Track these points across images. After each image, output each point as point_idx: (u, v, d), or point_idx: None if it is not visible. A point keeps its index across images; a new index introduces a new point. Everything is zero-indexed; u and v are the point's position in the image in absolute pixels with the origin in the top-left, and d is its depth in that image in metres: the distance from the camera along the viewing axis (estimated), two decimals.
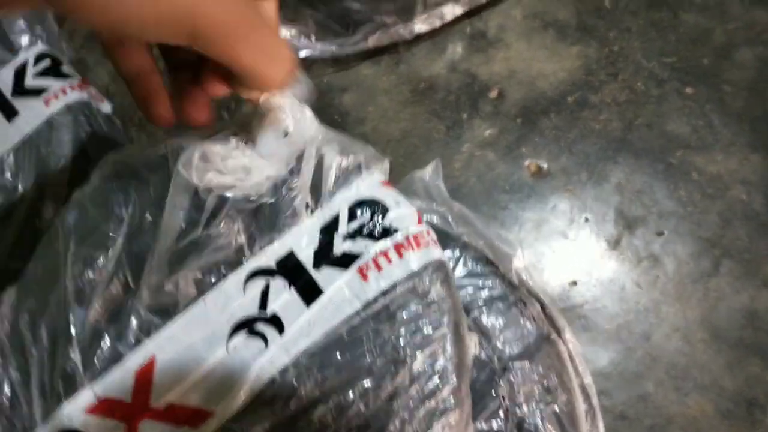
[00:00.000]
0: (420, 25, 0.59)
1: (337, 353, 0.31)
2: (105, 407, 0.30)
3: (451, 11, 0.59)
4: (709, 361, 0.50)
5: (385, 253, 0.33)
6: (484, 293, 0.41)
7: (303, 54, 0.59)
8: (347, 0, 0.56)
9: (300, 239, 0.33)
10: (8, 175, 0.50)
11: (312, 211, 0.34)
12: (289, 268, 0.33)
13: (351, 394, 0.30)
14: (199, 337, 0.31)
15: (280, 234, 0.33)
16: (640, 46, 0.59)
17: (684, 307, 0.51)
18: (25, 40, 0.57)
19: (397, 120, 0.59)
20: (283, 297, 0.32)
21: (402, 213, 0.35)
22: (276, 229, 0.33)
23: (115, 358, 0.31)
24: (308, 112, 0.36)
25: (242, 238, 0.33)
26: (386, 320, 0.32)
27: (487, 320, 0.40)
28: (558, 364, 0.40)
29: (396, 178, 0.55)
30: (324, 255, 0.33)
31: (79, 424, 0.30)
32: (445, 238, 0.43)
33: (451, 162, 0.56)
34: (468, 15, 0.60)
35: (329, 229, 0.34)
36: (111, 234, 0.33)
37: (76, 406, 0.30)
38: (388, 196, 0.36)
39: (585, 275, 0.53)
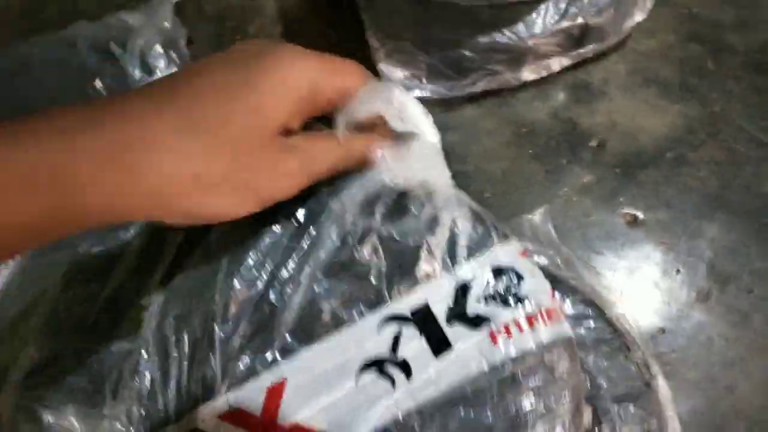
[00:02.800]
0: (527, 74, 0.62)
1: (461, 408, 0.33)
2: (236, 417, 0.33)
3: (558, 63, 0.62)
4: None
5: (517, 322, 0.35)
6: (592, 335, 0.43)
7: (414, 95, 0.63)
8: (462, 49, 0.60)
9: (435, 293, 0.35)
10: None
11: (450, 268, 0.36)
12: (423, 319, 0.35)
13: None
14: (330, 366, 0.33)
15: (417, 284, 0.35)
16: (741, 108, 0.61)
17: None
18: (162, 63, 0.63)
19: (498, 160, 0.62)
20: (414, 345, 0.34)
21: (537, 285, 0.37)
22: (414, 278, 0.35)
23: (251, 373, 0.33)
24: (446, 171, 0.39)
25: (383, 277, 0.35)
26: (511, 386, 0.34)
27: (594, 361, 0.43)
28: (658, 408, 0.42)
29: (495, 215, 0.59)
30: (457, 313, 0.35)
31: (210, 428, 0.33)
32: (553, 280, 0.46)
33: (549, 205, 0.59)
34: (573, 67, 0.63)
35: (464, 289, 0.36)
36: (261, 256, 0.36)
37: (211, 411, 0.33)
38: (525, 267, 0.38)
39: (673, 324, 0.55)
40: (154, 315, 0.38)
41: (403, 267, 0.36)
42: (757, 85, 0.62)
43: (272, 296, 0.35)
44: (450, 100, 0.64)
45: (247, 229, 0.38)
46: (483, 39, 0.59)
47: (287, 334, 0.34)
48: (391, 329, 0.34)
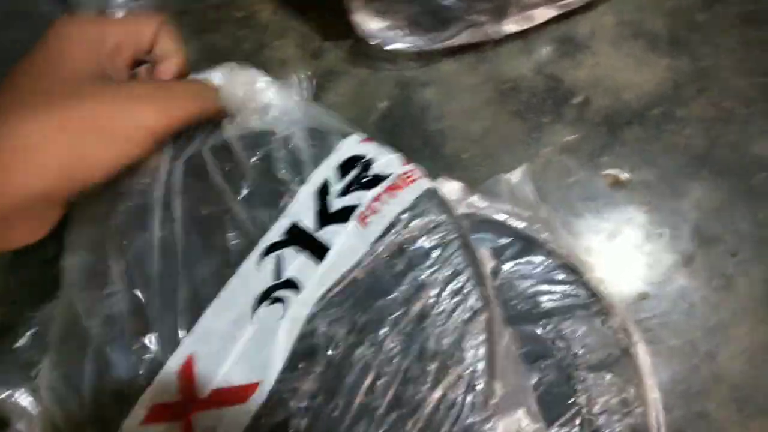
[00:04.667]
0: (510, 26, 0.59)
1: (359, 294, 0.33)
2: (157, 414, 0.32)
3: (543, 14, 0.59)
4: None
5: (378, 198, 0.36)
6: (568, 301, 0.41)
7: (390, 47, 0.60)
8: None
9: (298, 211, 0.36)
10: None
11: (302, 181, 0.37)
12: (296, 237, 0.35)
13: (384, 328, 0.32)
14: (228, 321, 0.33)
15: (280, 212, 0.36)
16: (731, 64, 0.58)
17: (754, 329, 0.52)
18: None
19: (478, 118, 0.59)
20: (295, 263, 0.35)
21: (387, 160, 0.38)
22: (275, 207, 0.36)
23: (157, 366, 0.33)
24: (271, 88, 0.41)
25: (246, 224, 0.36)
26: (396, 253, 0.34)
27: (569, 327, 0.41)
28: (636, 377, 0.40)
29: (473, 176, 0.57)
30: (323, 216, 0.36)
31: None
32: (530, 244, 0.44)
33: (530, 165, 0.56)
34: (558, 18, 0.60)
35: (322, 192, 0.37)
36: (112, 264, 0.36)
37: (133, 421, 0.32)
38: (370, 149, 0.39)
39: (656, 289, 0.53)
40: (44, 378, 0.36)
41: (261, 204, 0.37)
42: (748, 39, 0.59)
43: (140, 293, 0.34)
44: (427, 54, 0.61)
45: (90, 253, 0.37)
46: None
47: (177, 314, 0.34)
48: (271, 260, 0.35)
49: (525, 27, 0.59)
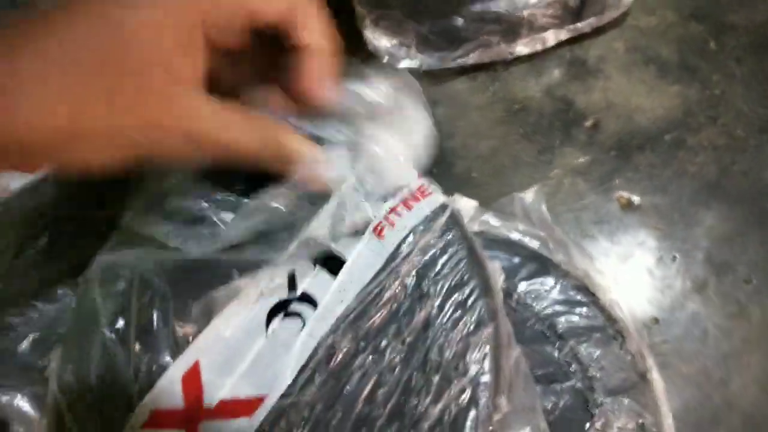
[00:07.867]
0: (522, 47, 0.59)
1: (373, 308, 0.33)
2: (159, 418, 0.31)
3: (554, 37, 0.59)
4: None
5: (395, 210, 0.35)
6: (583, 322, 0.41)
7: (402, 65, 0.60)
8: (454, 18, 0.57)
9: (314, 224, 0.35)
10: None
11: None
12: (310, 248, 0.35)
13: (386, 336, 0.32)
14: (238, 331, 0.33)
15: (299, 230, 0.35)
16: (742, 92, 0.58)
17: (766, 358, 0.51)
18: None
19: (488, 138, 0.59)
20: (310, 276, 0.34)
21: (401, 173, 0.37)
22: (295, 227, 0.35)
23: (161, 370, 0.32)
24: None
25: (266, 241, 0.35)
26: (408, 266, 0.34)
27: (585, 350, 0.40)
28: (653, 402, 0.39)
29: (482, 195, 0.56)
30: (338, 228, 0.35)
31: None
32: (544, 265, 0.43)
33: (541, 186, 0.56)
34: (570, 42, 0.60)
35: (338, 207, 0.36)
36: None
37: (133, 425, 0.31)
38: (384, 166, 0.37)
39: (667, 314, 0.52)
40: (54, 373, 0.35)
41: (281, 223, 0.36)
42: (760, 67, 0.59)
43: (156, 296, 0.34)
44: (439, 73, 0.61)
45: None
46: (476, 7, 0.55)
47: (181, 321, 0.33)
48: (283, 271, 0.34)
49: (536, 49, 0.59)
